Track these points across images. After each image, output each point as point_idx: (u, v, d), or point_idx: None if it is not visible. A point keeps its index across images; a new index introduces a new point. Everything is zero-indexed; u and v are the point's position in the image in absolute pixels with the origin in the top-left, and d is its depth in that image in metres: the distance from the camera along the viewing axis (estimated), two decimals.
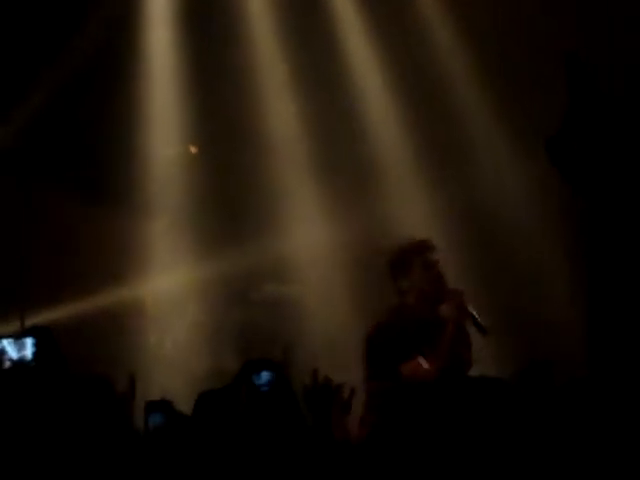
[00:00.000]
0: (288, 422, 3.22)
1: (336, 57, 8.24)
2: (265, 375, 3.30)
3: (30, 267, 8.15)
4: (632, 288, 4.66)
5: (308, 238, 8.24)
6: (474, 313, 4.88)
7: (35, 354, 3.92)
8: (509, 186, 7.84)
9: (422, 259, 4.95)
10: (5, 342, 3.97)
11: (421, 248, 5.00)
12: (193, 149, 8.55)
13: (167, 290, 8.42)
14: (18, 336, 4.06)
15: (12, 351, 3.95)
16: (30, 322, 4.35)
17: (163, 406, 3.60)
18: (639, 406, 2.95)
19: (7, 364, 3.75)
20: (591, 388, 3.01)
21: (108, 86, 8.12)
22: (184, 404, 3.78)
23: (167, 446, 3.27)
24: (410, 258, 4.98)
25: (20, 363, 3.90)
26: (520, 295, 7.87)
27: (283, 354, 4.12)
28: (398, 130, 8.14)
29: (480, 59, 7.82)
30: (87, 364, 4.71)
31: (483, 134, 7.97)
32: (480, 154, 8.02)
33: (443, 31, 8.00)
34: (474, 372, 4.94)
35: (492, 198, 7.87)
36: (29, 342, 3.97)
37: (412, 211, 7.98)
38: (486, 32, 7.70)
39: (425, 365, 4.73)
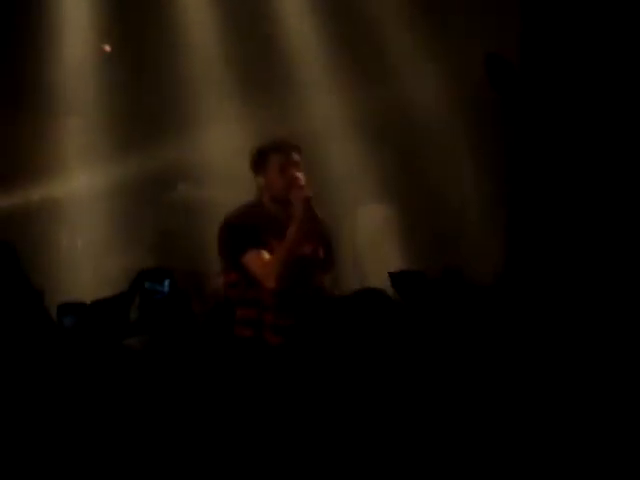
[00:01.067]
0: (182, 328, 3.24)
1: None
2: (162, 284, 3.32)
3: None
4: (550, 205, 4.82)
5: (222, 139, 8.24)
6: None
7: None
8: (431, 99, 7.87)
9: (279, 158, 4.96)
10: None
11: (280, 147, 5.01)
12: (107, 48, 8.44)
13: (80, 190, 8.37)
14: None
15: None
16: None
17: (76, 308, 3.61)
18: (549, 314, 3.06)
19: None
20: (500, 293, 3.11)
21: None
22: None
23: (78, 349, 3.29)
24: (267, 156, 5.00)
25: None
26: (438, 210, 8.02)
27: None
28: (315, 34, 8.11)
29: None
30: None
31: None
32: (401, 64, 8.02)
33: None
34: None
35: (413, 111, 7.91)
36: None
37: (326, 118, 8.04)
38: None
39: (266, 257, 4.81)
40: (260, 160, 5.02)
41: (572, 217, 4.78)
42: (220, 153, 8.24)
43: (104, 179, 8.30)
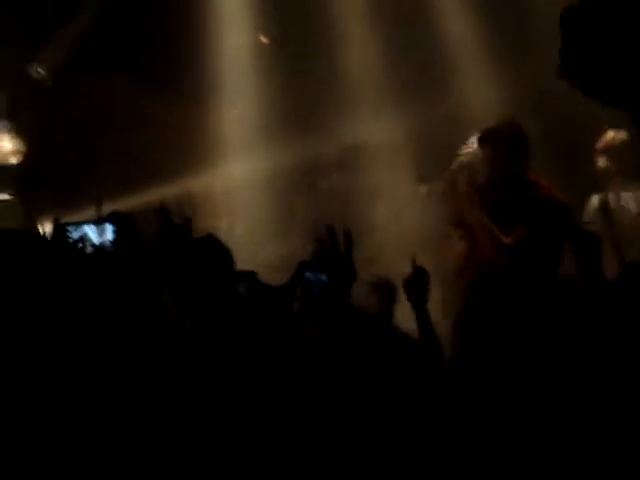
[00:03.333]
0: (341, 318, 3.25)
1: None
2: (320, 276, 3.35)
3: (103, 157, 8.36)
4: None
5: (378, 129, 8.28)
6: None
7: (115, 240, 4.06)
8: None
9: None
10: (87, 227, 4.12)
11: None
12: (264, 39, 8.58)
13: (238, 177, 8.55)
14: (99, 222, 4.21)
15: (94, 236, 4.10)
16: (108, 209, 4.50)
17: (250, 277, 3.68)
18: None
19: (89, 249, 3.87)
20: None
21: None
22: None
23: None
24: None
25: (101, 248, 4.04)
26: None
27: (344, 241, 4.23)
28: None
29: None
30: None
31: None
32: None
33: None
34: None
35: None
36: (109, 228, 4.12)
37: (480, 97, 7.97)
38: None
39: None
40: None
41: None
42: (375, 142, 8.30)
43: (262, 168, 8.45)
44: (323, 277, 3.31)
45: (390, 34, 8.18)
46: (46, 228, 4.20)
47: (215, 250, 3.45)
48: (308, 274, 3.36)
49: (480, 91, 7.95)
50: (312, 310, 3.30)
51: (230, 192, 8.64)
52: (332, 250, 3.24)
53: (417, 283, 3.35)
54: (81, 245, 3.74)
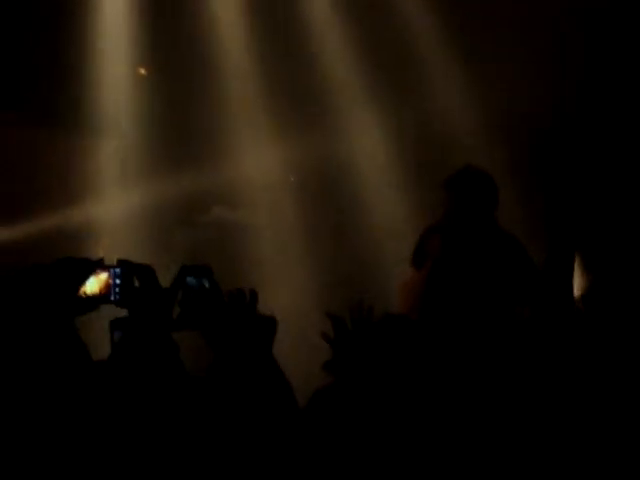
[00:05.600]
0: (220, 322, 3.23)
1: None
2: (202, 281, 3.33)
3: None
4: None
5: (258, 163, 8.28)
6: None
7: None
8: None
9: None
10: None
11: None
12: (142, 71, 8.51)
13: (115, 210, 8.43)
14: None
15: None
16: None
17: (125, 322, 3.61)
18: None
19: None
20: None
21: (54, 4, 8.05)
22: None
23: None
24: None
25: None
26: None
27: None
28: (349, 56, 8.15)
29: None
30: None
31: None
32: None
33: None
34: None
35: None
36: None
37: (362, 137, 8.05)
38: None
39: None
40: None
41: None
42: (255, 176, 8.28)
43: (140, 200, 8.36)
44: (205, 282, 3.30)
45: (272, 68, 8.20)
46: None
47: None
48: (190, 279, 3.33)
49: (357, 131, 8.05)
50: (192, 315, 3.27)
51: (107, 225, 8.52)
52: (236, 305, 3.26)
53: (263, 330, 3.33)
54: None
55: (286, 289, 7.65)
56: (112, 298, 3.27)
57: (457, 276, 5.14)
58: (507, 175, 6.26)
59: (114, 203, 8.39)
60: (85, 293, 3.28)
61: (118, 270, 3.33)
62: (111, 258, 3.55)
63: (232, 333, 3.18)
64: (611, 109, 6.98)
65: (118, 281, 3.31)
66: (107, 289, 3.30)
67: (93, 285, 3.30)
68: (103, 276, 3.34)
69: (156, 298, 3.36)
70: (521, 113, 7.25)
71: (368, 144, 8.06)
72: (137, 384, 3.09)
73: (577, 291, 3.09)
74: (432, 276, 5.18)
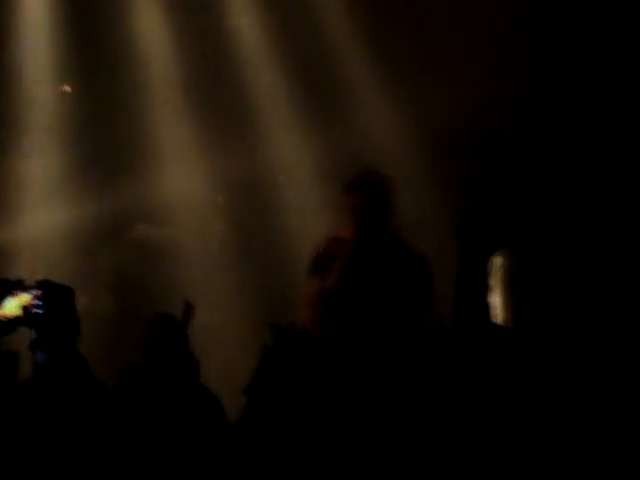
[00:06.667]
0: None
1: None
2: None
3: None
4: None
5: (183, 179, 8.25)
6: None
7: None
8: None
9: None
10: None
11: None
12: (66, 88, 8.45)
13: (39, 228, 8.34)
14: None
15: None
16: None
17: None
18: None
19: None
20: None
21: None
22: None
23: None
24: None
25: None
26: None
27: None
28: (273, 75, 8.16)
29: None
30: None
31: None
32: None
33: None
34: None
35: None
36: None
37: (288, 154, 8.07)
38: None
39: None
40: None
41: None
42: (180, 193, 8.25)
43: (64, 218, 8.27)
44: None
45: (199, 85, 8.20)
46: None
47: None
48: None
49: (286, 154, 8.08)
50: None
51: (31, 243, 8.41)
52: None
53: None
54: None
55: (214, 307, 7.62)
56: (30, 319, 3.23)
57: (360, 284, 5.20)
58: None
59: (36, 222, 8.29)
60: (4, 315, 3.23)
61: (38, 291, 3.29)
62: (32, 277, 3.50)
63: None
64: (545, 124, 7.05)
65: (37, 302, 3.27)
66: (26, 310, 3.26)
67: (12, 306, 3.25)
68: (23, 297, 3.29)
69: (71, 320, 3.34)
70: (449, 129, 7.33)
71: (296, 162, 8.07)
72: (60, 399, 3.09)
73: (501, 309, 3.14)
74: (341, 284, 5.22)
